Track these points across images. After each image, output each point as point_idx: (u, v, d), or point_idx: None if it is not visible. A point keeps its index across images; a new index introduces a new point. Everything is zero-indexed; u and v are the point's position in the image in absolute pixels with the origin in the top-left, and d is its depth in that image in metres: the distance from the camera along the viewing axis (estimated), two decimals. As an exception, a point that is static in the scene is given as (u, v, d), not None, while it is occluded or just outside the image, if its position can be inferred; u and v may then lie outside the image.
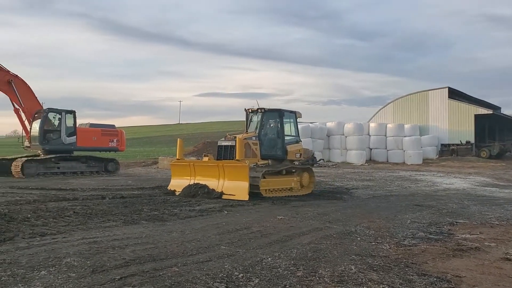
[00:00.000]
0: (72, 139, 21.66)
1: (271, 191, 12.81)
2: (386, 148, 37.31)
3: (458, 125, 39.23)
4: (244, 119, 14.73)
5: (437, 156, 38.36)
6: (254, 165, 12.94)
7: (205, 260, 5.65)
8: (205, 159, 13.43)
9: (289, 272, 5.25)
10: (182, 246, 6.40)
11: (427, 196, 14.19)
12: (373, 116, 44.74)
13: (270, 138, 13.83)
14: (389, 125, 38.06)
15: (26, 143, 22.02)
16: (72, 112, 21.87)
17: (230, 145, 12.78)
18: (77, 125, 22.12)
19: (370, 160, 36.50)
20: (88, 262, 5.31)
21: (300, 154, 14.62)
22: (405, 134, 37.09)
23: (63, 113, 21.60)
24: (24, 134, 22.36)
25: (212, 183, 12.25)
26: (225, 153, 12.98)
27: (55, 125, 21.52)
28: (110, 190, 14.04)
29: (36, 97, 22.06)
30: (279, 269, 5.38)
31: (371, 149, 37.41)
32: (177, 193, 12.63)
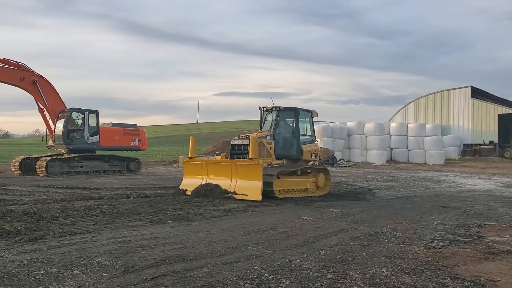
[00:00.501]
0: (95, 138, 21.93)
1: (286, 192, 12.47)
2: (407, 148, 36.90)
3: (481, 125, 38.59)
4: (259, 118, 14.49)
5: (459, 156, 37.80)
6: (268, 165, 12.69)
7: (234, 261, 5.66)
8: (218, 158, 13.20)
9: (320, 274, 5.22)
10: (210, 246, 6.42)
11: (452, 197, 13.97)
12: (394, 115, 44.30)
13: (285, 137, 13.57)
14: (410, 125, 37.62)
15: (50, 142, 22.34)
16: (95, 112, 22.13)
17: (244, 144, 12.51)
18: (99, 125, 22.38)
19: (390, 160, 36.15)
20: (119, 261, 5.36)
21: (316, 155, 14.34)
22: (427, 134, 36.62)
23: (87, 113, 21.87)
24: (48, 133, 22.69)
25: (224, 182, 12.01)
26: (238, 152, 12.73)
27: (78, 125, 21.81)
28: (133, 189, 14.16)
29: (60, 97, 22.38)
30: (309, 271, 5.35)
31: (391, 149, 37.05)
32: (188, 193, 12.39)
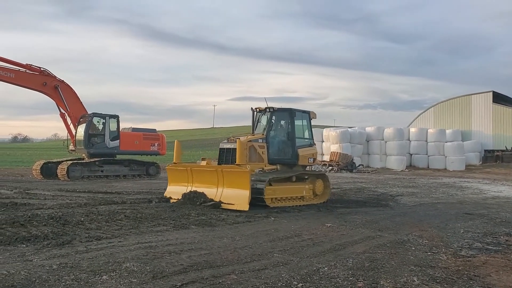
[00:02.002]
0: (116, 143, 22.12)
1: (279, 200, 11.53)
2: (427, 154, 36.47)
3: (504, 130, 37.93)
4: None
5: (481, 162, 37.22)
6: (259, 171, 11.71)
7: (261, 268, 5.61)
8: (203, 163, 12.37)
9: (349, 283, 5.14)
10: (235, 252, 6.38)
11: (476, 204, 13.73)
12: (413, 121, 43.87)
13: (279, 140, 12.59)
14: (430, 130, 37.20)
15: (71, 147, 22.61)
16: (116, 117, 22.34)
17: (232, 148, 11.47)
18: (120, 129, 22.57)
19: (410, 166, 35.78)
20: (147, 267, 5.35)
21: (314, 159, 13.35)
22: (447, 140, 36.16)
23: (107, 118, 22.08)
24: (69, 138, 22.96)
25: (210, 190, 11.08)
26: (226, 157, 11.79)
27: (99, 129, 22.03)
28: (154, 193, 14.20)
29: (81, 102, 22.65)
30: (338, 279, 5.27)
31: (411, 154, 36.68)
32: (172, 201, 11.57)
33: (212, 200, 10.86)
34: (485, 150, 38.26)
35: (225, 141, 12.25)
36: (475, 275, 5.66)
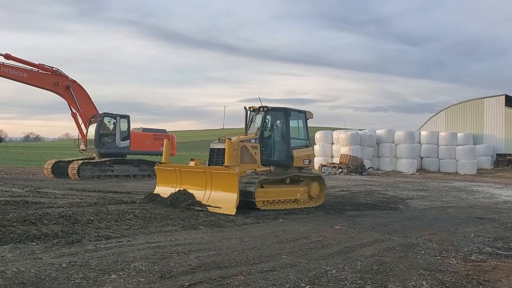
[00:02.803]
0: (126, 143, 22.22)
1: (271, 203, 11.12)
2: (438, 157, 36.18)
3: (516, 134, 37.54)
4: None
5: (492, 166, 36.84)
6: (252, 172, 11.29)
7: (269, 270, 5.61)
8: (191, 163, 11.87)
9: (357, 286, 5.12)
10: (243, 253, 6.38)
11: (487, 208, 13.60)
12: (424, 124, 43.55)
13: (273, 141, 12.11)
14: (441, 134, 36.92)
15: (82, 146, 22.74)
16: (126, 117, 22.45)
17: (223, 148, 10.92)
18: (130, 130, 22.68)
19: (421, 169, 35.52)
20: (156, 267, 5.37)
21: (310, 161, 12.80)
22: (458, 143, 35.85)
23: (118, 118, 22.19)
24: (80, 137, 23.11)
25: (198, 192, 10.61)
26: (217, 158, 11.35)
27: (110, 129, 22.14)
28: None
29: (92, 102, 22.80)
30: (346, 282, 5.25)
31: (422, 157, 36.41)
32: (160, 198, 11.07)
33: (199, 202, 10.41)
34: (497, 154, 37.87)
35: (216, 141, 11.87)
36: (485, 280, 5.62)
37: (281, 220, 9.74)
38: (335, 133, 36.66)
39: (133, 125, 23.81)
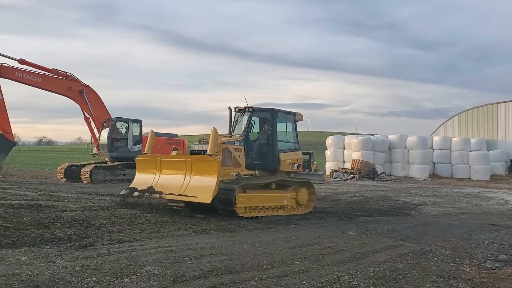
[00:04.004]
0: (138, 147, 22.32)
1: (254, 210, 10.47)
2: (450, 163, 35.93)
3: (531, 140, 37.12)
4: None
5: (506, 172, 36.47)
6: (236, 175, 10.74)
7: (281, 275, 5.60)
8: (173, 153, 11.41)
9: (370, 292, 5.09)
10: (255, 259, 6.38)
11: (502, 215, 13.46)
12: (437, 129, 43.26)
13: (258, 143, 11.47)
14: (454, 139, 36.66)
15: (95, 150, 22.91)
16: (139, 121, 22.59)
17: (204, 150, 10.45)
18: (142, 134, 22.81)
19: (433, 175, 35.29)
20: (168, 271, 5.38)
21: (299, 165, 12.13)
22: (471, 149, 35.57)
23: (130, 122, 22.34)
24: (93, 141, 23.30)
25: (176, 182, 10.10)
26: None
27: (122, 134, 22.29)
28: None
29: (105, 107, 23.00)
30: (358, 288, 5.22)
31: (434, 163, 36.18)
32: (135, 194, 10.72)
33: (169, 200, 10.06)
34: (511, 160, 37.47)
35: (197, 143, 11.55)
36: (499, 288, 5.55)
37: (293, 225, 9.72)
38: (346, 138, 36.57)
39: (145, 130, 23.95)
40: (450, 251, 7.72)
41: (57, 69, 21.72)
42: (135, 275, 5.21)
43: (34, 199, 12.11)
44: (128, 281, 4.99)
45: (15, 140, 23.57)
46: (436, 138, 37.40)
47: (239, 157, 10.87)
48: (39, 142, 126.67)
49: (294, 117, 12.27)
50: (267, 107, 11.89)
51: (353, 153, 34.33)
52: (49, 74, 21.44)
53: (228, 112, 11.95)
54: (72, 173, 21.45)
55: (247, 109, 11.52)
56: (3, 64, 20.11)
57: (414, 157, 34.63)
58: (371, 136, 35.98)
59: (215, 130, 10.07)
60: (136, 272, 5.30)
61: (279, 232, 8.80)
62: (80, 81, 22.28)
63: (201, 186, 9.66)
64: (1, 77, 20.14)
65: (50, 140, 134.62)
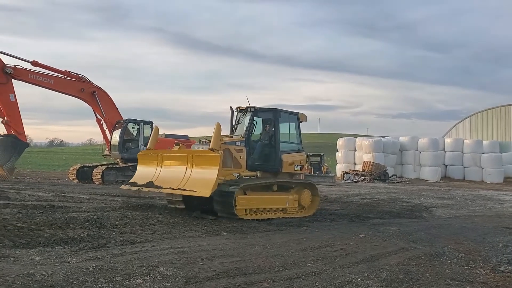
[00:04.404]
0: (149, 148, 22.41)
1: (255, 212, 10.26)
2: (462, 165, 35.64)
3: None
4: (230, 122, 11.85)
5: (520, 174, 36.08)
6: (237, 175, 10.53)
7: (293, 277, 5.58)
8: (176, 148, 11.28)
9: (383, 295, 5.05)
10: (267, 261, 6.36)
11: (516, 218, 13.30)
12: (448, 131, 42.96)
13: (260, 144, 11.22)
14: (466, 141, 36.36)
15: (106, 152, 23.05)
16: (150, 123, 22.67)
17: (204, 151, 10.25)
18: (153, 135, 22.88)
19: (445, 177, 35.03)
20: (181, 272, 5.40)
21: (302, 167, 11.93)
22: (484, 151, 35.25)
23: (141, 124, 22.43)
24: (104, 143, 23.45)
25: (177, 176, 9.97)
26: None
27: (133, 135, 22.39)
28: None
29: (117, 108, 23.15)
30: (371, 291, 5.19)
31: (446, 165, 35.89)
32: (134, 188, 10.83)
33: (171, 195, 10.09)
34: (524, 163, 37.07)
35: (197, 143, 11.40)
36: (515, 292, 5.49)
37: (304, 227, 9.69)
38: (358, 140, 36.45)
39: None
40: (463, 254, 7.65)
41: (70, 71, 21.91)
42: (148, 275, 5.23)
43: (47, 199, 12.22)
44: (141, 281, 5.01)
45: (27, 141, 23.78)
46: (448, 140, 37.13)
47: (240, 158, 10.62)
48: (51, 143, 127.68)
49: (297, 118, 12.00)
50: (270, 107, 11.66)
51: (364, 155, 34.20)
52: (61, 76, 21.63)
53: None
54: (84, 174, 21.60)
55: (249, 109, 11.29)
56: (17, 66, 20.33)
57: (425, 159, 34.40)
58: (382, 138, 35.81)
59: (218, 125, 9.92)
60: (149, 273, 5.32)
61: (290, 234, 8.78)
62: (92, 83, 22.46)
63: (201, 180, 9.49)
64: (15, 79, 20.37)
65: (61, 141, 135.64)
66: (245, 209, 10.03)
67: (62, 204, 11.10)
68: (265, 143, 11.30)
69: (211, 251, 6.68)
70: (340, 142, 37.64)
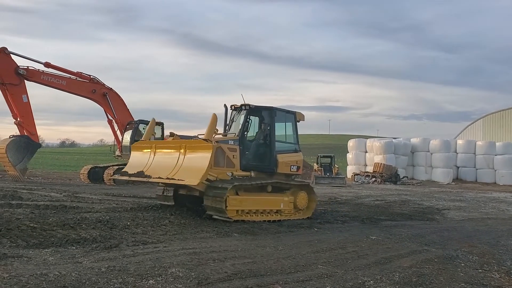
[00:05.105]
0: (160, 149, 22.48)
1: (247, 214, 9.90)
2: (475, 167, 35.30)
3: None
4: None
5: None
6: (231, 175, 10.12)
7: (305, 279, 5.55)
8: (170, 139, 11.15)
9: (397, 298, 5.01)
10: (279, 262, 6.34)
11: (530, 221, 13.12)
12: (460, 132, 42.61)
13: (255, 143, 10.91)
14: (478, 143, 36.00)
15: (117, 152, 23.18)
16: (161, 124, 22.72)
17: None
18: (164, 136, 22.96)
19: (457, 179, 34.73)
20: (192, 273, 5.39)
21: (298, 167, 11.43)
22: (497, 153, 34.87)
23: (153, 125, 22.49)
24: (115, 143, 23.58)
25: (168, 167, 9.80)
26: None
27: (144, 136, 22.45)
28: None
29: (128, 109, 23.26)
30: (384, 294, 5.15)
31: (458, 167, 35.58)
32: (123, 177, 10.85)
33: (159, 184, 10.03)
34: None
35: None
36: (531, 296, 5.40)
37: (316, 229, 9.65)
38: (368, 141, 36.26)
39: (166, 132, 24.12)
40: (477, 257, 7.56)
41: (81, 72, 22.08)
42: (160, 276, 5.23)
43: (59, 200, 12.31)
44: (153, 282, 5.01)
45: (40, 142, 23.97)
46: (460, 142, 36.81)
47: (233, 157, 10.21)
48: (63, 144, 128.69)
49: (294, 117, 11.59)
50: (266, 106, 11.19)
51: (375, 157, 34.02)
52: (73, 77, 21.80)
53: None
54: (96, 175, 21.72)
55: (243, 107, 10.90)
56: (30, 68, 20.51)
57: (437, 161, 34.12)
58: (393, 140, 35.60)
59: (214, 116, 9.74)
60: (161, 274, 5.32)
61: (301, 236, 8.74)
62: (103, 84, 22.60)
63: (191, 170, 9.31)
64: (28, 80, 20.56)
65: (73, 142, 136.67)
66: (237, 210, 9.71)
67: (74, 205, 11.17)
68: (260, 143, 10.97)
69: (222, 252, 6.68)
70: (350, 143, 37.49)
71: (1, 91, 20.24)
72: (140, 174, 10.31)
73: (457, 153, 35.76)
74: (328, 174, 27.94)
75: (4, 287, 4.47)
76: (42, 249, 6.30)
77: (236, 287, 5.02)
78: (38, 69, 20.78)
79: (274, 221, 10.16)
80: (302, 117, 11.79)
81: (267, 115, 10.99)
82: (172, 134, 11.52)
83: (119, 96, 23.01)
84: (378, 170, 31.60)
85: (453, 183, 32.97)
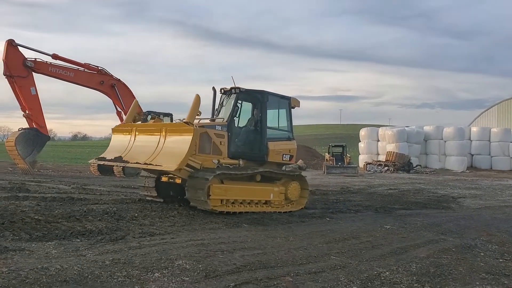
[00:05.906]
0: (169, 140, 22.34)
1: (233, 205, 9.25)
2: (489, 154, 34.70)
3: None
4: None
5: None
6: (217, 163, 9.36)
7: (318, 271, 5.31)
8: (151, 121, 10.51)
9: (415, 290, 4.74)
10: (290, 253, 6.10)
11: (549, 208, 12.74)
12: (474, 120, 41.93)
13: (245, 130, 10.19)
14: (493, 130, 35.36)
15: (127, 144, 23.04)
16: (169, 115, 22.52)
17: None
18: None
19: (471, 167, 34.19)
20: (200, 265, 5.17)
21: (291, 156, 10.76)
22: (512, 139, 34.24)
23: (161, 116, 22.28)
24: (125, 135, 23.43)
25: (147, 151, 9.13)
26: None
27: (154, 127, 22.30)
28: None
29: (137, 101, 23.03)
30: (401, 286, 4.90)
31: (472, 155, 35.01)
32: (101, 162, 10.18)
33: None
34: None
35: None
36: (557, 286, 5.11)
37: (328, 219, 9.39)
38: (380, 130, 35.81)
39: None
40: (496, 246, 7.27)
41: (89, 64, 21.90)
42: (166, 269, 5.02)
43: (67, 192, 12.17)
44: (159, 275, 4.80)
45: (51, 135, 23.93)
46: (474, 129, 36.19)
47: (220, 143, 9.49)
48: (74, 137, 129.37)
49: (288, 103, 10.88)
50: (258, 89, 10.42)
51: (387, 145, 33.59)
52: (81, 68, 21.63)
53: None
54: (105, 167, 21.62)
55: (233, 90, 10.17)
56: (37, 60, 20.39)
57: (451, 149, 33.60)
58: (406, 128, 35.11)
59: (197, 97, 9.13)
60: (167, 266, 5.11)
61: (313, 226, 8.50)
62: (111, 75, 22.42)
63: (170, 154, 8.69)
64: (36, 73, 20.43)
65: (85, 135, 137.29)
66: (221, 200, 9.03)
67: (82, 197, 11.01)
68: (250, 129, 10.25)
69: (231, 244, 6.45)
70: (362, 132, 37.06)
71: (9, 83, 20.14)
72: (118, 159, 9.62)
73: (471, 141, 35.18)
74: (340, 163, 27.60)
75: (2, 282, 4.28)
76: (46, 242, 6.10)
77: (245, 279, 4.79)
78: (46, 61, 20.63)
79: (262, 212, 9.47)
80: (297, 103, 11.12)
81: (259, 99, 10.29)
82: (153, 117, 10.69)
83: (128, 87, 22.83)
84: (390, 159, 31.18)
85: (467, 171, 32.46)
